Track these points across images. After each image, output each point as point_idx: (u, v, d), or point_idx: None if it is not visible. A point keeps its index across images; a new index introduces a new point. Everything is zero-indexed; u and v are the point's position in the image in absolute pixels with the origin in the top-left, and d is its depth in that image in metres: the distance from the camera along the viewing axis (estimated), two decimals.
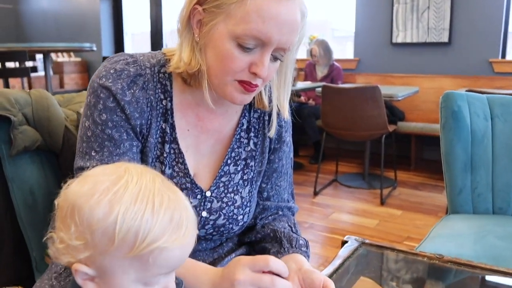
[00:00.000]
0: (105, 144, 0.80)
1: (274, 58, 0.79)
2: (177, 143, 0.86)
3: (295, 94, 4.46)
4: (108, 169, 0.57)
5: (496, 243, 1.31)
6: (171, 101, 0.85)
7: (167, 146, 0.85)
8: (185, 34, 0.81)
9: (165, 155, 0.85)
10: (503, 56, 4.02)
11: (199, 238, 0.91)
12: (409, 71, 4.38)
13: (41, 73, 5.04)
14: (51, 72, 6.19)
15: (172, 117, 0.85)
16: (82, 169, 0.78)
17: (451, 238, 1.39)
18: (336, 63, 4.45)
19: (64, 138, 1.12)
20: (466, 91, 2.06)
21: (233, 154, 0.91)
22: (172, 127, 0.85)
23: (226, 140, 0.92)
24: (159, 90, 0.84)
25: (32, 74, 5.19)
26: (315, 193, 3.22)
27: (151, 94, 0.83)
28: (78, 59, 6.58)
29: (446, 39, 4.13)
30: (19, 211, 1.06)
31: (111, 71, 0.80)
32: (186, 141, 0.88)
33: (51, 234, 0.55)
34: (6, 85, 3.60)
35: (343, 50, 4.88)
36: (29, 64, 4.09)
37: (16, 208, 1.06)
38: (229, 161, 0.91)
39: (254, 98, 0.91)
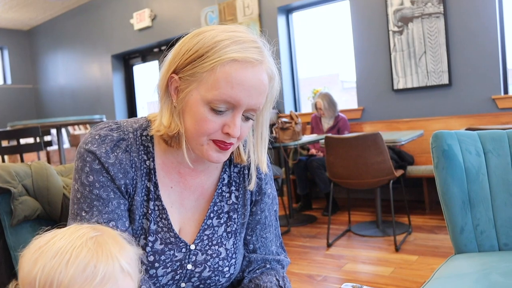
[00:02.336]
0: (94, 204, 0.84)
1: (246, 118, 0.84)
2: (161, 200, 0.90)
3: (303, 147, 4.51)
4: (60, 230, 0.63)
5: (498, 280, 1.28)
6: (153, 161, 0.90)
7: (151, 203, 0.89)
8: (165, 100, 0.87)
9: (150, 212, 0.89)
10: (506, 92, 4.04)
11: None
12: (413, 115, 4.41)
13: (56, 146, 5.24)
14: (66, 145, 6.43)
15: (155, 176, 0.90)
16: None
17: (454, 278, 1.37)
18: (341, 114, 4.53)
19: (62, 206, 1.17)
20: (466, 129, 2.08)
21: (215, 208, 0.95)
22: (155, 186, 0.90)
23: (209, 194, 0.96)
24: (142, 152, 0.90)
25: (50, 148, 5.40)
26: (328, 245, 3.18)
27: (135, 156, 0.88)
28: None
29: (446, 81, 4.19)
30: None
31: (96, 137, 0.87)
32: (170, 198, 0.92)
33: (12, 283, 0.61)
34: (22, 160, 3.75)
35: (354, 100, 4.99)
36: (47, 138, 4.26)
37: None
38: (211, 215, 0.94)
39: (233, 153, 0.97)
